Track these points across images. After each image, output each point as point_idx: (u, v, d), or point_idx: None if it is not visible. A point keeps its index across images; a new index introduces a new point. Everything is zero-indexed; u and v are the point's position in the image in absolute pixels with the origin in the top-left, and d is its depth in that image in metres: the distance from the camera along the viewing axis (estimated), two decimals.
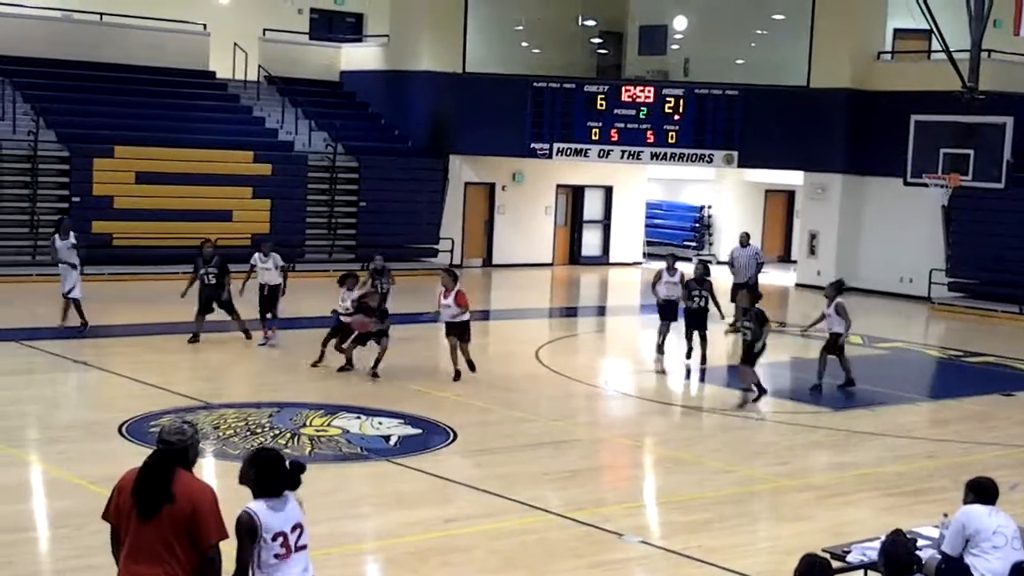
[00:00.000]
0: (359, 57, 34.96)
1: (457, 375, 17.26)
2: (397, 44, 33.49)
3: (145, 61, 31.28)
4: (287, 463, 6.63)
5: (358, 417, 14.76)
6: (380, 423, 14.59)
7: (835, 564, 7.78)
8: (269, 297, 19.99)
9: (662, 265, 20.52)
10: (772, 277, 33.59)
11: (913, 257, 29.76)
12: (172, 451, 6.39)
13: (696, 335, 19.37)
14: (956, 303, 28.58)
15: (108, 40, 31.01)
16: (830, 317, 17.98)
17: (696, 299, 19.23)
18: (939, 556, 8.15)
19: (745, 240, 24.55)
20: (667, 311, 19.79)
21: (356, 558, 10.23)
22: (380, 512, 11.55)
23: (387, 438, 14.02)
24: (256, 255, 20.44)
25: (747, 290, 17.42)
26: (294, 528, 6.51)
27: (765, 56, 33.91)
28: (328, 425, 14.35)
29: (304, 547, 6.56)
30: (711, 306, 19.43)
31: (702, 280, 19.34)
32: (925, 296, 29.13)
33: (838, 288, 18.30)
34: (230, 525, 6.45)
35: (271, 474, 6.53)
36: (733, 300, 23.47)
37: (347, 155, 31.43)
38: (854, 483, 13.20)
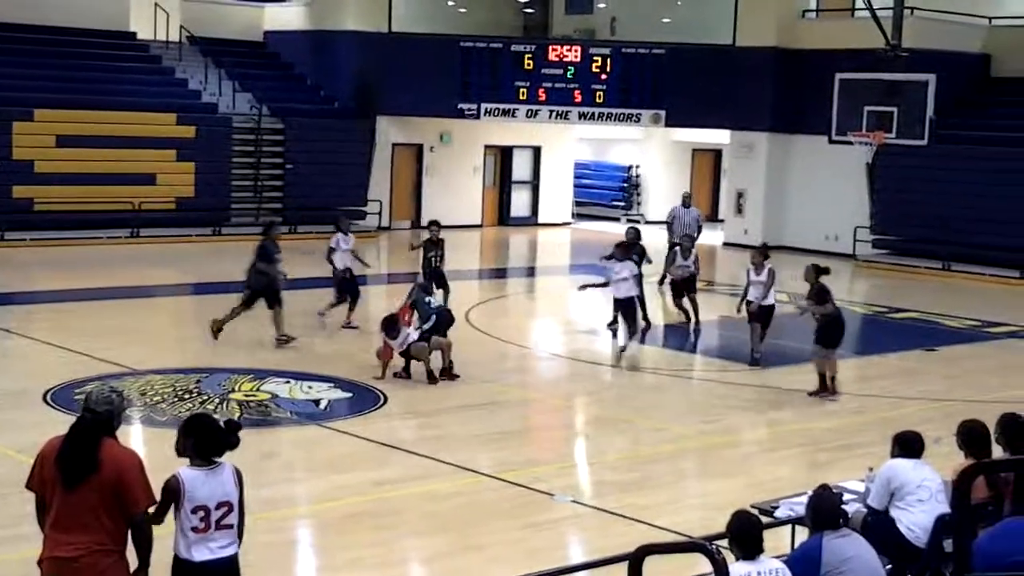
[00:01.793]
0: (283, 17, 34.51)
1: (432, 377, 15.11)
2: (321, 3, 33.10)
3: (64, 22, 30.64)
4: (222, 423, 6.55)
5: (287, 382, 14.66)
6: (310, 387, 14.50)
7: (764, 520, 7.86)
8: (352, 281, 18.19)
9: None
10: (700, 236, 33.75)
11: (838, 214, 30.06)
12: (97, 420, 6.30)
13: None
14: (880, 260, 28.93)
15: (26, 1, 30.33)
16: (763, 285, 16.43)
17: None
18: (865, 510, 8.27)
19: (687, 200, 24.63)
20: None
21: (288, 523, 10.19)
22: (311, 476, 11.51)
23: (317, 402, 13.95)
24: (337, 236, 18.29)
25: (813, 267, 15.50)
26: (220, 505, 6.38)
27: (691, 15, 33.95)
28: (257, 390, 14.24)
29: (229, 526, 6.43)
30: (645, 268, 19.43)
31: (634, 244, 19.25)
32: (850, 253, 29.46)
33: (764, 253, 16.99)
34: (158, 492, 6.38)
35: (208, 438, 6.45)
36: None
37: (272, 117, 31.09)
38: (783, 439, 13.36)
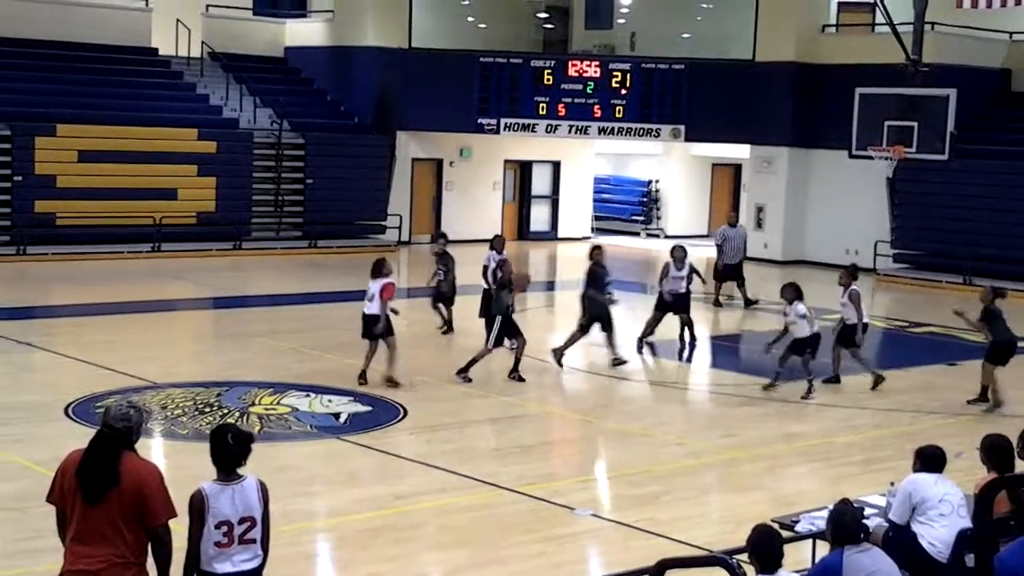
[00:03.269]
0: (304, 33, 34.67)
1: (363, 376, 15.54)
2: (342, 19, 33.24)
3: (87, 38, 30.85)
4: (229, 436, 6.55)
5: (307, 395, 14.68)
6: (330, 401, 14.52)
7: (784, 534, 7.84)
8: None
9: (667, 258, 19.32)
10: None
11: (858, 229, 29.97)
12: (116, 435, 6.32)
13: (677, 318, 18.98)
14: (901, 274, 28.83)
15: (49, 17, 30.54)
16: (845, 306, 16.32)
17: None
18: (886, 524, 8.23)
19: (734, 220, 24.62)
20: (672, 306, 18.75)
21: (307, 536, 10.19)
22: (331, 490, 11.52)
23: (337, 415, 13.96)
24: (489, 254, 18.19)
25: (991, 289, 15.86)
26: (243, 520, 6.40)
27: (711, 30, 33.98)
28: (277, 403, 14.27)
29: (252, 541, 6.45)
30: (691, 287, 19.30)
31: (681, 260, 18.93)
32: (870, 268, 29.35)
33: (853, 274, 16.59)
34: (179, 505, 6.40)
35: (217, 449, 6.47)
36: (718, 279, 23.39)
37: (293, 132, 31.19)
38: (803, 453, 13.31)
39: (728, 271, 23.64)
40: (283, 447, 12.53)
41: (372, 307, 15.32)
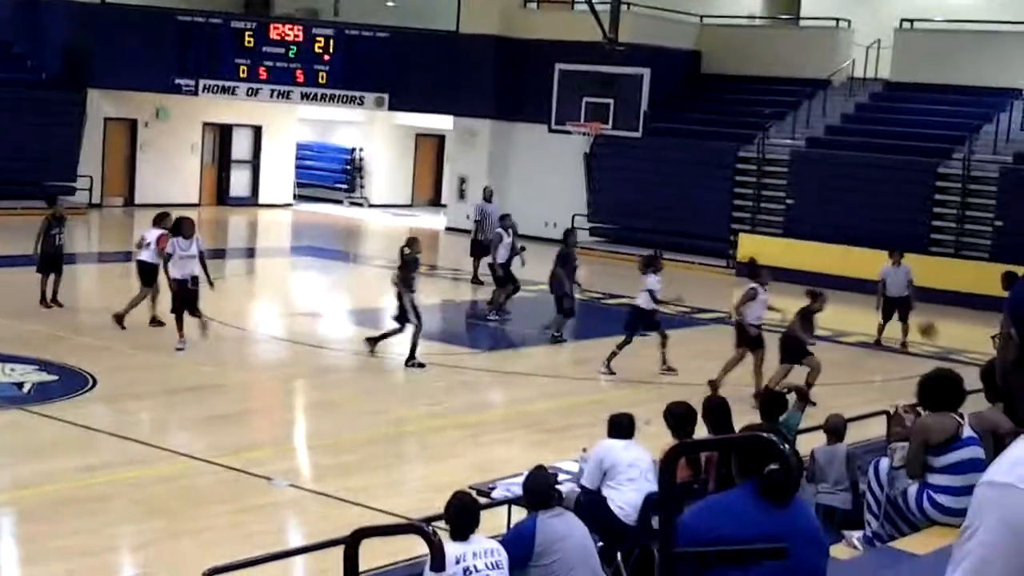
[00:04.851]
0: None
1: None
2: None
3: None
4: None
5: None
6: (12, 369, 13.80)
7: (481, 500, 7.94)
8: (194, 294, 15.89)
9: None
10: (422, 221, 33.95)
11: (557, 202, 30.66)
12: None
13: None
14: (597, 247, 29.67)
15: None
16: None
17: None
18: (579, 489, 8.46)
19: (489, 194, 24.33)
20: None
21: None
22: (12, 463, 10.96)
23: (20, 385, 13.28)
24: (174, 240, 15.69)
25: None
26: None
27: (416, 0, 34.02)
28: None
29: None
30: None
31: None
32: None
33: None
34: None
35: None
36: (475, 255, 22.88)
37: None
38: (503, 421, 13.55)
39: (483, 248, 22.40)
40: None
41: (146, 254, 16.41)
